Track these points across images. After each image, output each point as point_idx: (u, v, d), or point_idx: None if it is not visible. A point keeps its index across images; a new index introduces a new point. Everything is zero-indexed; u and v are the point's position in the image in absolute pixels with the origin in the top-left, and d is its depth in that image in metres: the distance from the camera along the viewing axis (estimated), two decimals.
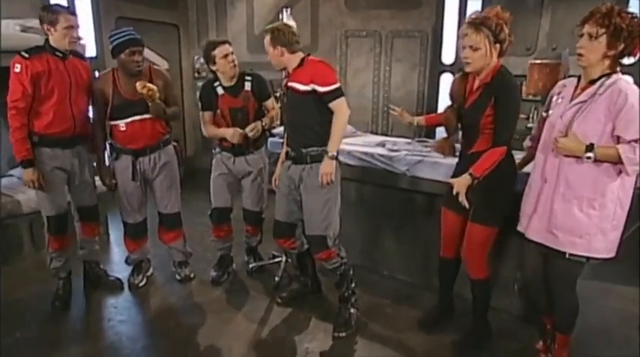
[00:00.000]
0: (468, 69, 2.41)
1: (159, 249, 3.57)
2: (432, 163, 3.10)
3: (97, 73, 3.40)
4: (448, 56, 5.53)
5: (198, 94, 3.30)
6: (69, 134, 2.89)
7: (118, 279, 3.37)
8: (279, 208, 2.91)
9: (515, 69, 4.28)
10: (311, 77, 2.58)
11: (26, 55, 2.71)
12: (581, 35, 2.05)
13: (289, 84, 2.68)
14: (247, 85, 3.18)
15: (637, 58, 2.10)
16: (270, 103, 3.33)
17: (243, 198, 3.43)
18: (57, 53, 2.80)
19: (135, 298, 3.25)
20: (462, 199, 2.29)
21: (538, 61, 3.40)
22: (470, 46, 2.31)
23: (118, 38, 2.94)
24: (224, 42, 3.12)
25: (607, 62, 2.05)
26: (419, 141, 3.59)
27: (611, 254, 2.17)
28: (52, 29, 2.76)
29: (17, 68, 2.69)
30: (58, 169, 2.90)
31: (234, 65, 3.10)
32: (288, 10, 3.85)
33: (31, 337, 2.75)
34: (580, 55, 2.07)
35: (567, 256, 2.17)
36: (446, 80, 5.65)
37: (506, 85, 2.34)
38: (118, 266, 3.62)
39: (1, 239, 3.55)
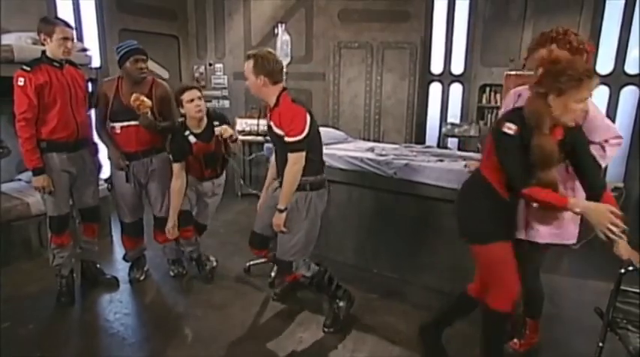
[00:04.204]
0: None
1: (153, 250, 3.78)
2: (417, 167, 3.32)
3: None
4: (436, 66, 5.81)
5: (167, 145, 3.40)
6: (73, 138, 3.06)
7: (115, 277, 3.54)
8: (258, 220, 2.98)
9: (500, 79, 4.56)
10: (280, 122, 2.57)
11: (28, 69, 2.83)
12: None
13: (269, 123, 2.67)
14: (217, 131, 3.25)
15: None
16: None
17: (198, 213, 3.58)
18: (54, 63, 2.93)
19: (138, 293, 3.44)
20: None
21: (513, 73, 3.65)
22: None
23: (124, 48, 3.18)
24: (193, 88, 3.20)
25: None
26: (406, 146, 3.81)
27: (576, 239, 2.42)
28: (48, 39, 2.88)
29: (21, 81, 2.81)
30: (64, 172, 3.06)
31: (200, 110, 3.15)
32: (283, 25, 4.07)
33: (43, 328, 2.93)
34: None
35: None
36: (434, 89, 5.91)
37: None
38: (120, 264, 3.81)
39: (11, 239, 3.74)
